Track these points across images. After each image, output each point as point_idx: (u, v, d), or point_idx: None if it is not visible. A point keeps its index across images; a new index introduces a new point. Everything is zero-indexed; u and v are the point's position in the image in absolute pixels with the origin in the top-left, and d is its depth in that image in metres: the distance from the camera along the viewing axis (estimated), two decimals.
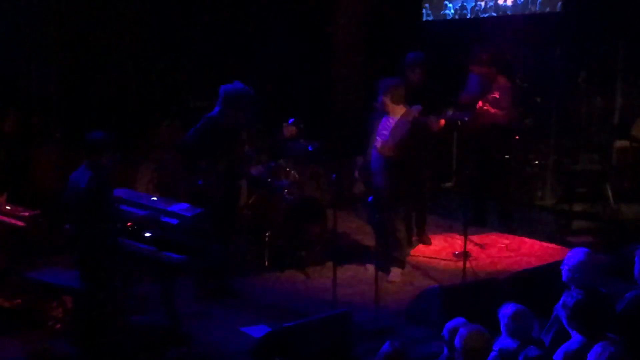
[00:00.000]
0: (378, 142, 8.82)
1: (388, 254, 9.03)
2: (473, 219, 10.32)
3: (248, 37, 11.44)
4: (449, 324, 6.08)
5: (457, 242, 9.74)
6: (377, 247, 9.06)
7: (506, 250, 9.80)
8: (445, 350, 6.13)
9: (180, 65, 11.07)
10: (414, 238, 9.89)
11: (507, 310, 6.22)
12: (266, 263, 9.37)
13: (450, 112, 9.62)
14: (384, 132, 8.82)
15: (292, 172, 9.78)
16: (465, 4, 11.73)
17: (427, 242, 9.96)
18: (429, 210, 10.32)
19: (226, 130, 8.33)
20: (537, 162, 11.26)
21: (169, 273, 7.78)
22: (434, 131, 9.38)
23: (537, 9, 11.18)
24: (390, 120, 8.82)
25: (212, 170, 8.34)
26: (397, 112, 8.81)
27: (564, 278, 6.70)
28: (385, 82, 8.87)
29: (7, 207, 8.29)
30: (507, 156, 10.33)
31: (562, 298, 6.04)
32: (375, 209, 8.95)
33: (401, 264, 9.06)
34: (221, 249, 8.50)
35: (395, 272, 9.01)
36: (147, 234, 7.72)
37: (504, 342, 6.12)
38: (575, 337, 5.84)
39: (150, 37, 11.01)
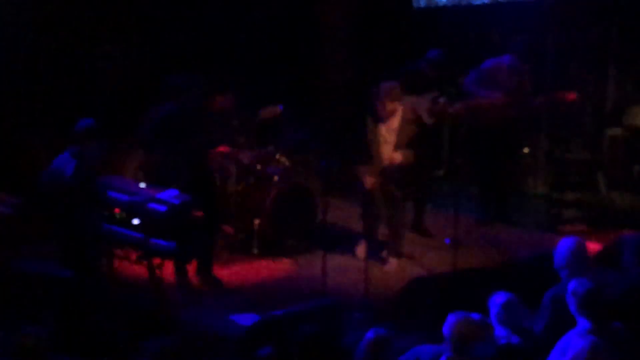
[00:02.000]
0: (389, 151, 8.76)
1: (391, 243, 8.99)
2: (483, 213, 10.18)
3: (233, 22, 11.37)
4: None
5: (448, 230, 9.67)
6: (369, 237, 9.04)
7: (497, 239, 9.77)
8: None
9: (165, 51, 11.00)
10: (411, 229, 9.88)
11: (498, 299, 6.20)
12: (255, 251, 9.32)
13: (442, 99, 9.56)
14: (390, 137, 8.76)
15: (282, 159, 9.72)
16: None
17: (425, 234, 9.90)
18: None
19: (179, 120, 8.36)
20: (526, 150, 11.22)
21: (157, 260, 7.75)
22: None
23: None
24: (392, 123, 8.76)
25: (171, 162, 8.34)
26: (397, 114, 8.75)
27: (555, 266, 6.69)
28: (383, 86, 8.76)
29: None
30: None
31: (570, 285, 6.00)
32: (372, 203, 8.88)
33: (399, 254, 9.01)
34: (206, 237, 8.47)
35: (393, 262, 8.96)
36: (135, 221, 7.69)
37: (497, 329, 6.09)
38: (583, 324, 5.81)
39: (135, 23, 10.94)
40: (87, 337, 7.27)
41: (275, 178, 9.51)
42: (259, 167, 9.57)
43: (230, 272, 8.81)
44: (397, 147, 8.76)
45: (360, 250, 9.05)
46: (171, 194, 7.84)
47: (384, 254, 9.05)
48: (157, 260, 7.78)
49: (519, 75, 9.74)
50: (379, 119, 8.81)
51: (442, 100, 9.51)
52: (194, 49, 10.93)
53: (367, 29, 11.58)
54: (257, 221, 9.32)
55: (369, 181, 8.77)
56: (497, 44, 10.53)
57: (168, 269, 8.24)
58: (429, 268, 8.95)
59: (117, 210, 7.73)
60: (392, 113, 8.77)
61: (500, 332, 6.09)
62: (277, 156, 9.73)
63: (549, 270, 6.82)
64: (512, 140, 10.09)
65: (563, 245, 6.70)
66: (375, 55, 11.15)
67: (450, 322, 5.61)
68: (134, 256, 7.87)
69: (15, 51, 10.32)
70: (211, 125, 8.79)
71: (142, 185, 8.04)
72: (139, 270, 7.93)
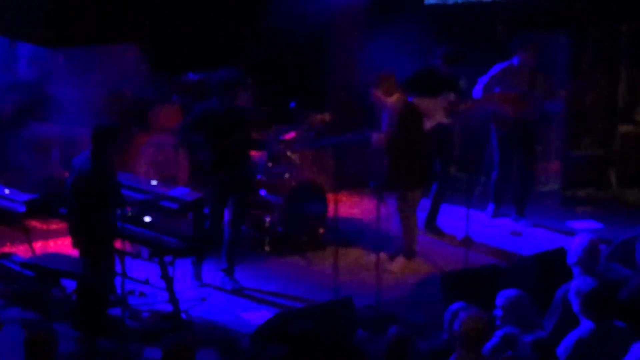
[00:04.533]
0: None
1: (401, 241, 8.97)
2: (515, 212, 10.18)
3: (245, 16, 11.35)
4: (451, 308, 6.04)
5: (459, 227, 9.66)
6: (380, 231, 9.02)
7: (509, 235, 9.76)
8: (445, 335, 6.09)
9: (179, 46, 10.99)
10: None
11: (505, 295, 6.21)
12: (267, 248, 9.31)
13: (451, 96, 9.56)
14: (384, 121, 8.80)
15: (293, 156, 9.71)
16: None
17: (437, 233, 9.87)
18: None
19: (222, 117, 8.31)
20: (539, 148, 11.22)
21: (169, 258, 7.76)
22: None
23: None
24: (386, 112, 8.78)
25: (209, 157, 8.34)
26: (389, 104, 8.74)
27: (568, 262, 6.68)
28: (376, 75, 8.80)
29: (6, 191, 8.24)
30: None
31: (573, 284, 6.00)
32: (376, 195, 8.86)
33: (408, 254, 8.97)
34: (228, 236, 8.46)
35: (400, 262, 8.91)
36: (147, 219, 7.70)
37: (506, 327, 6.09)
38: (586, 324, 5.81)
39: (148, 17, 10.91)
40: (102, 333, 7.29)
41: (286, 175, 9.50)
42: (269, 164, 9.56)
43: (241, 269, 8.80)
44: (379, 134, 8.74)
45: (397, 264, 8.93)
46: (183, 192, 7.85)
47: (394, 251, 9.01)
48: (168, 258, 7.79)
49: (531, 75, 9.72)
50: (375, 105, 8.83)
51: (451, 96, 9.51)
52: (205, 47, 10.93)
53: (379, 26, 11.54)
54: (268, 218, 9.32)
55: None
56: (507, 41, 10.47)
57: (180, 267, 8.27)
58: (440, 265, 8.93)
59: (128, 207, 7.75)
60: (382, 100, 8.72)
61: (512, 329, 6.08)
62: (288, 153, 9.72)
63: (562, 266, 6.81)
64: (528, 139, 10.07)
65: (575, 241, 6.69)
66: (386, 52, 11.11)
67: (462, 319, 5.59)
68: (145, 254, 7.89)
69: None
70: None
71: (154, 182, 8.05)
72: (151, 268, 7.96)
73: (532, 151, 10.16)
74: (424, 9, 11.82)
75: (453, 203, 10.37)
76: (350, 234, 9.59)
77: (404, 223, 8.89)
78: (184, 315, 7.73)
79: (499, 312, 6.17)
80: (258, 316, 7.75)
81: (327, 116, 9.46)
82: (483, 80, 9.83)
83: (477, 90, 9.82)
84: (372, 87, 8.77)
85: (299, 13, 11.01)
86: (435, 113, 9.53)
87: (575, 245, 6.65)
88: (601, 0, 10.70)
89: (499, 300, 6.22)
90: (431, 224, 9.88)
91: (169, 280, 7.70)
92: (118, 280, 7.69)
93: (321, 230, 9.43)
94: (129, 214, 7.73)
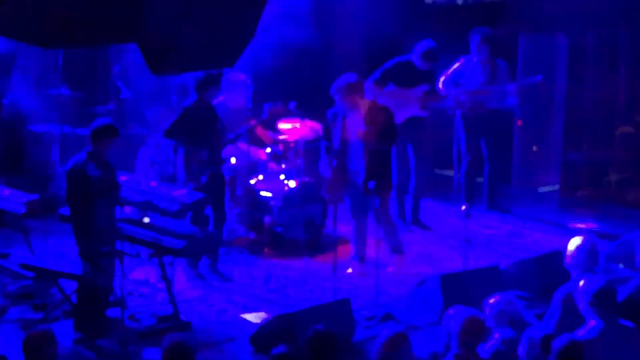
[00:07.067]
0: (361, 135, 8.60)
1: (391, 241, 8.96)
2: (488, 205, 10.26)
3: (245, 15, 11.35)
4: (448, 310, 6.06)
5: (458, 228, 9.67)
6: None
7: (508, 237, 9.76)
8: (446, 338, 6.09)
9: (178, 45, 10.99)
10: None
11: (490, 304, 6.23)
12: (266, 249, 9.31)
13: (426, 88, 9.62)
14: (360, 125, 8.59)
15: (292, 156, 9.71)
16: None
17: (422, 227, 9.90)
18: (430, 197, 10.27)
19: (203, 117, 8.39)
20: (535, 148, 11.22)
21: (168, 259, 7.77)
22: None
23: None
24: (360, 114, 8.57)
25: (193, 157, 8.36)
26: (363, 106, 8.60)
27: (566, 264, 6.69)
28: (347, 81, 8.58)
29: (6, 192, 8.24)
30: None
31: (579, 283, 6.00)
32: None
33: (400, 250, 8.96)
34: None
35: (396, 260, 8.91)
36: (147, 219, 7.71)
37: (504, 331, 6.10)
38: (592, 323, 5.81)
39: (146, 17, 10.92)
40: (101, 334, 7.30)
41: (286, 175, 9.51)
42: (270, 164, 9.57)
43: (240, 270, 8.81)
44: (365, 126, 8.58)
45: (395, 263, 8.87)
46: (182, 192, 7.86)
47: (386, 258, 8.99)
48: (168, 259, 7.80)
49: (491, 67, 9.91)
50: (347, 109, 8.65)
51: (426, 88, 9.53)
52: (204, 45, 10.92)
53: (380, 27, 11.56)
54: (267, 219, 9.32)
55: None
56: (507, 41, 10.52)
57: (180, 267, 8.28)
58: (439, 266, 8.93)
59: (128, 208, 7.75)
60: (354, 105, 8.59)
61: (509, 332, 6.10)
62: (287, 153, 9.72)
63: (560, 268, 6.82)
64: (491, 130, 10.15)
65: (573, 243, 6.70)
66: (388, 51, 11.13)
67: (459, 320, 5.61)
68: (145, 254, 7.90)
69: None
70: (228, 122, 8.80)
71: (154, 183, 8.06)
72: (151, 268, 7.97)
73: (496, 142, 10.21)
74: (426, 8, 11.85)
75: (452, 203, 10.40)
76: (349, 235, 9.59)
77: (390, 221, 8.89)
78: (183, 316, 7.73)
79: (491, 323, 6.17)
80: (257, 317, 7.75)
81: (281, 108, 9.43)
82: (445, 73, 9.98)
83: (442, 83, 9.95)
84: (347, 94, 8.51)
85: (301, 12, 11.05)
86: (409, 104, 9.56)
87: (573, 247, 6.66)
88: (601, 1, 10.69)
89: (486, 310, 6.21)
90: (415, 219, 9.92)
91: (168, 281, 7.70)
92: (117, 281, 7.71)
93: (320, 231, 9.44)
94: (129, 214, 7.75)
